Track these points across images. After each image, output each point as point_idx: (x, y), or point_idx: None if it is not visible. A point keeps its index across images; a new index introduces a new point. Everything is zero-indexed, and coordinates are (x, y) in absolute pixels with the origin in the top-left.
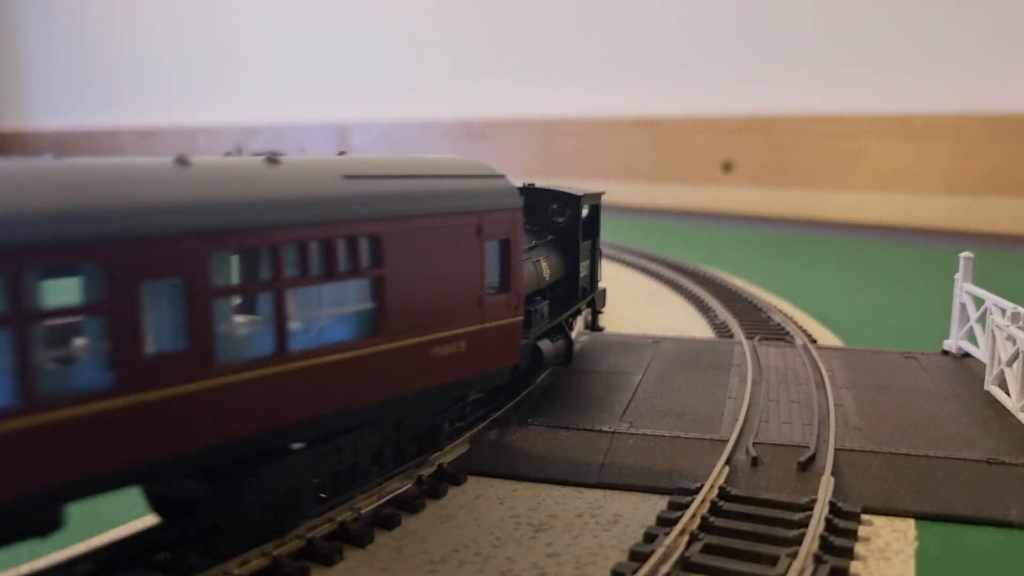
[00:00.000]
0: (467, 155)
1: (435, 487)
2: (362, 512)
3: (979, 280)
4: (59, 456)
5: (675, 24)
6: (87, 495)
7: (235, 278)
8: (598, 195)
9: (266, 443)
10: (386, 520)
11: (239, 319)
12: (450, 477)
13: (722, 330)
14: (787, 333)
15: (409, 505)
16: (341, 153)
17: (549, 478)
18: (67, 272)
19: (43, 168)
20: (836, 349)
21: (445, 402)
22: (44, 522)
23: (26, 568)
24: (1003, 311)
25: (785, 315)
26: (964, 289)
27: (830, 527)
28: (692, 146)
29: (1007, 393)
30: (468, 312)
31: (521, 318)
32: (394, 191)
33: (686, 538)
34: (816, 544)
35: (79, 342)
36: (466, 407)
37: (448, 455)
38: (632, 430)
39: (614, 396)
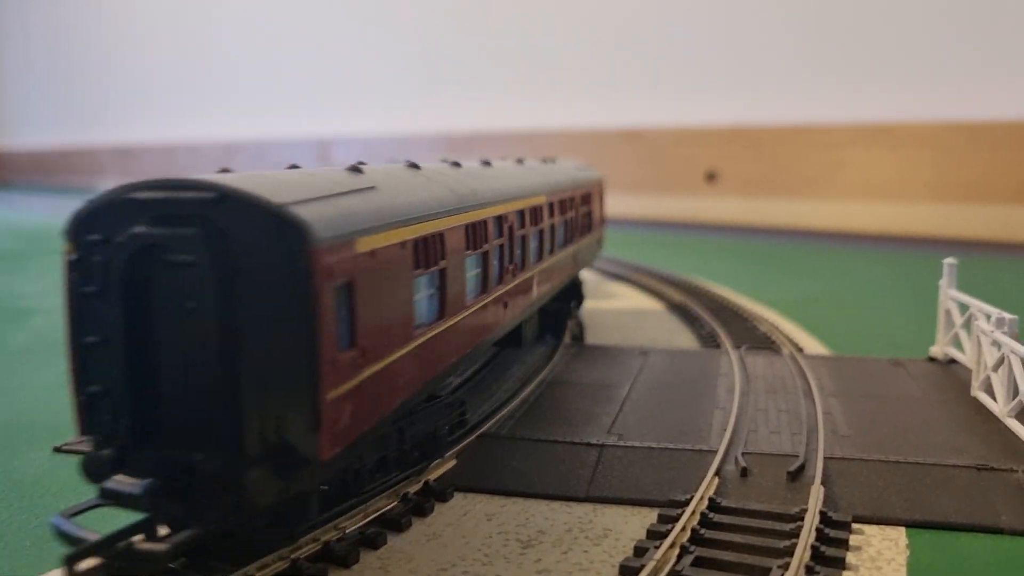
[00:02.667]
0: None
1: (421, 505)
2: (347, 531)
3: (963, 286)
4: None
5: (659, 35)
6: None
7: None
8: None
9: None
10: (371, 539)
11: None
12: (436, 494)
13: (709, 340)
14: (774, 342)
15: (395, 523)
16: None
17: (537, 493)
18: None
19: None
20: (823, 358)
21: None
22: None
23: None
24: (988, 316)
25: (771, 324)
26: (949, 295)
27: (821, 537)
28: (676, 156)
29: (993, 398)
30: (596, 226)
31: (603, 231)
32: (586, 175)
33: (676, 551)
34: (807, 555)
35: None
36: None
37: (434, 471)
38: (620, 442)
39: (602, 408)
